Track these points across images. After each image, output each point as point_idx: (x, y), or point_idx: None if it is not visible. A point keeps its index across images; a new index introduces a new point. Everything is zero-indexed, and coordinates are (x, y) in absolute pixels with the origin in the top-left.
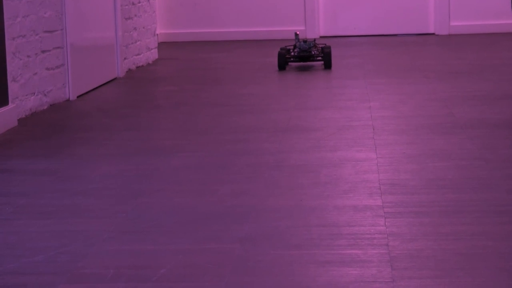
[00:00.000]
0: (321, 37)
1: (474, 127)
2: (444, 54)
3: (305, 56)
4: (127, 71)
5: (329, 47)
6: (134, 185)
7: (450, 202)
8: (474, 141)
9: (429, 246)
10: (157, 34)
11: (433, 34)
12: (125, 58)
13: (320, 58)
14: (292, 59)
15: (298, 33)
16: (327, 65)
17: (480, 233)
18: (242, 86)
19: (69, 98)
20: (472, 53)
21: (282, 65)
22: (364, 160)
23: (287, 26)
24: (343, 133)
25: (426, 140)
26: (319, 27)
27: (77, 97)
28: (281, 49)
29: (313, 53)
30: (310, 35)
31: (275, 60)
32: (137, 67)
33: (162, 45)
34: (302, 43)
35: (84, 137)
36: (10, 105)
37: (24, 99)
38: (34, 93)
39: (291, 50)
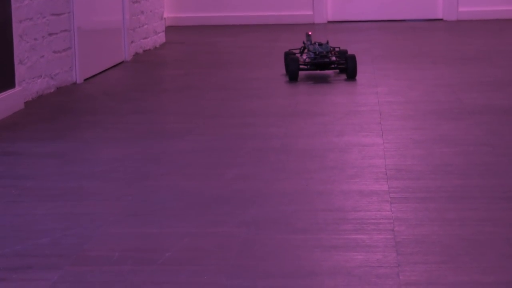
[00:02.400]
0: (329, 22)
1: (481, 113)
2: (452, 39)
3: (323, 63)
4: (134, 55)
5: (346, 51)
6: (140, 168)
7: (456, 187)
8: (481, 127)
9: (435, 232)
10: (165, 18)
11: (441, 19)
12: (132, 42)
13: (341, 66)
14: (307, 66)
15: (310, 33)
16: (351, 75)
17: (486, 219)
18: (250, 71)
19: (76, 81)
20: (481, 39)
21: (295, 73)
22: (371, 145)
23: (295, 11)
24: (350, 118)
25: (433, 126)
26: (327, 12)
27: (84, 80)
28: (288, 54)
29: (332, 59)
30: (318, 20)
31: (282, 44)
32: (144, 50)
33: (170, 29)
34: (317, 46)
35: (91, 120)
36: (17, 88)
37: (31, 82)
38: (41, 76)
39: (304, 55)
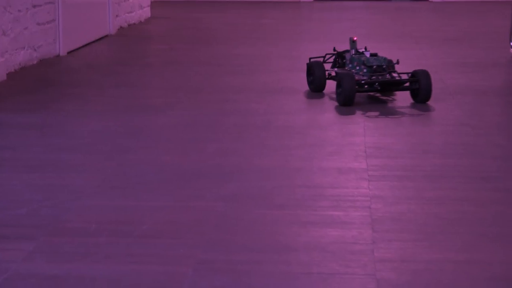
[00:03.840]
0: (314, 0)
1: (462, 94)
2: (437, 20)
3: (393, 83)
4: (118, 29)
5: (395, 65)
6: (121, 141)
7: (434, 167)
8: (462, 107)
9: (411, 210)
10: None
11: (427, 0)
12: (117, 16)
13: (415, 87)
14: (365, 86)
15: (355, 39)
16: (424, 98)
17: (462, 198)
18: (234, 47)
19: (59, 53)
20: (466, 20)
21: (351, 96)
22: (351, 123)
23: None
24: (331, 96)
25: (414, 105)
26: None
27: (68, 53)
28: (317, 65)
29: (398, 77)
30: None
31: (268, 22)
32: (129, 25)
33: (155, 4)
34: (370, 58)
35: (73, 92)
36: (0, 59)
37: (14, 53)
38: (24, 48)
39: (354, 71)
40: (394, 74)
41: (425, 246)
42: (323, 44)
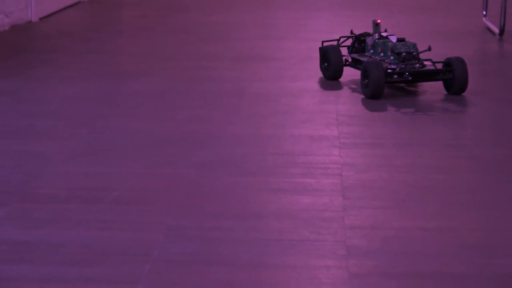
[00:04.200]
0: None
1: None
2: None
3: (427, 73)
4: None
5: (427, 52)
6: (93, 108)
7: (405, 134)
8: None
9: (382, 177)
10: None
11: None
12: None
13: (449, 76)
14: (395, 76)
15: (379, 21)
16: (459, 89)
17: (433, 166)
18: (208, 14)
19: (31, 19)
20: None
21: (380, 87)
22: (324, 91)
23: None
24: (305, 64)
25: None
26: None
27: (40, 19)
28: (333, 49)
29: (431, 66)
30: None
31: None
32: None
33: None
34: (397, 43)
35: (45, 59)
36: None
37: None
38: None
39: (378, 58)
40: (427, 62)
41: (396, 213)
42: (297, 12)
